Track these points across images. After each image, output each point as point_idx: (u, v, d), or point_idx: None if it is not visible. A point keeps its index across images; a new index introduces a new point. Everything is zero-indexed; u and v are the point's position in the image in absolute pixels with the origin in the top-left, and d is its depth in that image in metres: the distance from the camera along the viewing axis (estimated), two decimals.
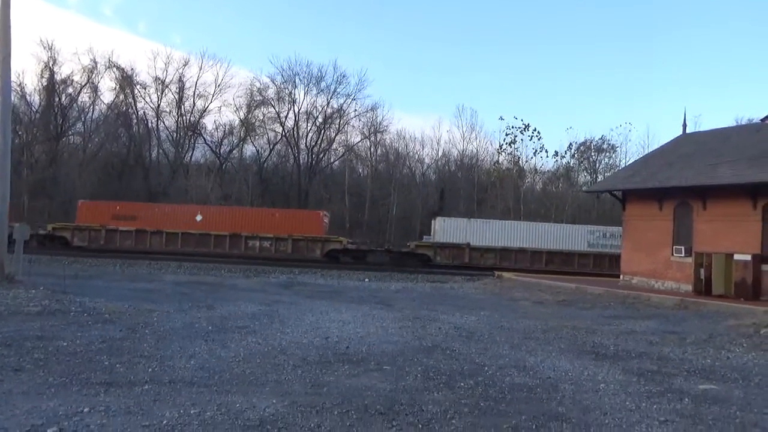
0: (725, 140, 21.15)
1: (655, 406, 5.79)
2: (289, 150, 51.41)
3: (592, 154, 48.93)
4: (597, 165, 49.06)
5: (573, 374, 7.06)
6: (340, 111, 51.32)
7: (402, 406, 5.38)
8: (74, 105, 48.62)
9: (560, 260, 30.75)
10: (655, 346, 9.39)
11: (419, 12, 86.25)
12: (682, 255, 19.01)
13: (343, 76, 51.92)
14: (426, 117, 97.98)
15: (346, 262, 29.99)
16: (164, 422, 4.63)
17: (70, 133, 49.41)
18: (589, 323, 11.91)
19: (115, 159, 48.95)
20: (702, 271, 17.52)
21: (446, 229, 31.53)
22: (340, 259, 30.62)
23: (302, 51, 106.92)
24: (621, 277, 21.78)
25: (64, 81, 48.42)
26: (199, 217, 31.24)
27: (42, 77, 48.21)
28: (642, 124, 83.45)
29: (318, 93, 51.28)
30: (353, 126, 52.08)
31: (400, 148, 52.79)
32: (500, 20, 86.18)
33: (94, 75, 48.85)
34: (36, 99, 48.30)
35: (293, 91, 51.04)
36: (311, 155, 51.11)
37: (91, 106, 49.18)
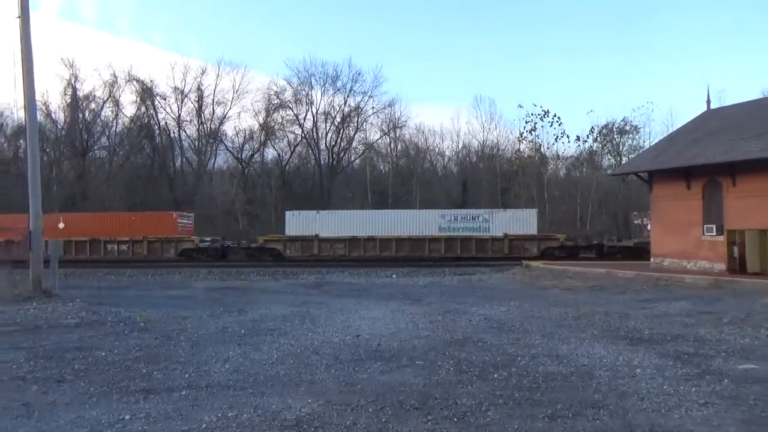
0: (752, 114, 20.59)
1: (693, 389, 5.70)
2: (310, 151, 51.77)
3: (615, 136, 47.99)
4: (621, 147, 48.14)
5: (608, 360, 6.99)
6: (357, 109, 51.50)
7: (436, 400, 5.39)
8: (98, 120, 49.77)
9: (410, 246, 30.70)
10: (690, 328, 9.23)
11: (429, 4, 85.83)
12: (714, 233, 18.60)
13: (359, 74, 52.04)
14: (444, 109, 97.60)
15: (201, 261, 29.95)
16: (203, 426, 4.72)
17: (95, 147, 50.56)
18: (622, 308, 11.76)
19: (141, 170, 49.90)
20: (735, 248, 17.13)
21: (296, 223, 31.68)
22: (194, 257, 30.83)
23: (317, 51, 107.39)
24: (651, 259, 21.41)
25: (86, 97, 49.63)
26: (61, 225, 31.89)
27: (65, 94, 49.51)
28: (664, 102, 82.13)
29: (335, 92, 51.59)
30: (372, 123, 52.25)
31: (419, 143, 52.77)
32: (513, 6, 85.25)
33: (115, 89, 49.95)
34: (61, 116, 49.67)
35: (310, 93, 51.45)
36: (332, 155, 51.34)
37: (114, 120, 50.36)
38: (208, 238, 32.34)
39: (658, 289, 15.42)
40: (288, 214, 32.79)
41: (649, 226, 28.88)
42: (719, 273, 17.29)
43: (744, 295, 13.59)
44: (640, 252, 25.90)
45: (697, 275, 17.13)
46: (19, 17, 14.41)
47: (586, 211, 43.49)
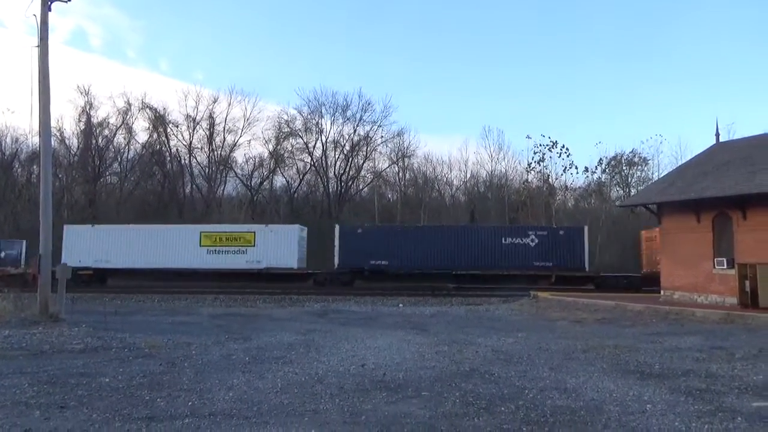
0: (762, 147, 20.54)
1: (706, 426, 5.57)
2: (319, 179, 52.03)
3: (624, 168, 48.04)
4: (629, 179, 48.08)
5: (617, 395, 6.86)
6: (366, 138, 51.90)
7: None
8: (110, 146, 50.33)
9: None
10: (702, 363, 9.07)
11: (440, 35, 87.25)
12: (725, 267, 18.41)
13: (368, 104, 52.54)
14: (452, 139, 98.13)
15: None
16: None
17: (107, 173, 51.06)
18: (632, 341, 11.59)
19: (151, 196, 50.24)
20: (747, 282, 16.93)
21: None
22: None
23: (327, 81, 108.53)
24: (662, 292, 21.18)
25: (100, 124, 50.34)
26: None
27: (80, 121, 50.26)
28: (673, 135, 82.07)
29: (344, 122, 52.07)
30: (380, 152, 52.57)
31: (428, 172, 52.94)
32: (522, 38, 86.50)
33: (128, 116, 50.66)
34: (74, 142, 50.29)
35: (320, 121, 51.97)
36: (340, 183, 51.59)
37: (126, 147, 50.86)
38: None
39: (669, 323, 15.20)
40: None
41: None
42: (731, 307, 17.05)
43: (756, 330, 13.37)
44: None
45: (708, 309, 16.90)
46: (37, 46, 14.76)
47: (596, 242, 43.20)
